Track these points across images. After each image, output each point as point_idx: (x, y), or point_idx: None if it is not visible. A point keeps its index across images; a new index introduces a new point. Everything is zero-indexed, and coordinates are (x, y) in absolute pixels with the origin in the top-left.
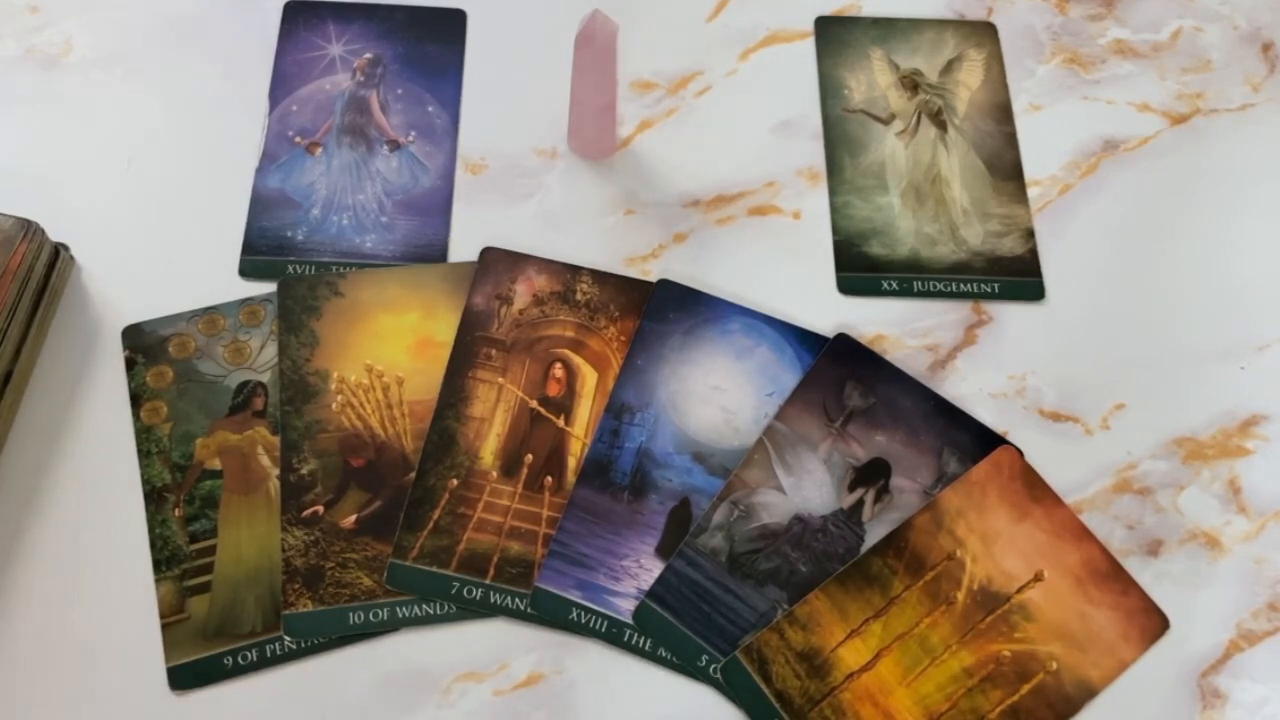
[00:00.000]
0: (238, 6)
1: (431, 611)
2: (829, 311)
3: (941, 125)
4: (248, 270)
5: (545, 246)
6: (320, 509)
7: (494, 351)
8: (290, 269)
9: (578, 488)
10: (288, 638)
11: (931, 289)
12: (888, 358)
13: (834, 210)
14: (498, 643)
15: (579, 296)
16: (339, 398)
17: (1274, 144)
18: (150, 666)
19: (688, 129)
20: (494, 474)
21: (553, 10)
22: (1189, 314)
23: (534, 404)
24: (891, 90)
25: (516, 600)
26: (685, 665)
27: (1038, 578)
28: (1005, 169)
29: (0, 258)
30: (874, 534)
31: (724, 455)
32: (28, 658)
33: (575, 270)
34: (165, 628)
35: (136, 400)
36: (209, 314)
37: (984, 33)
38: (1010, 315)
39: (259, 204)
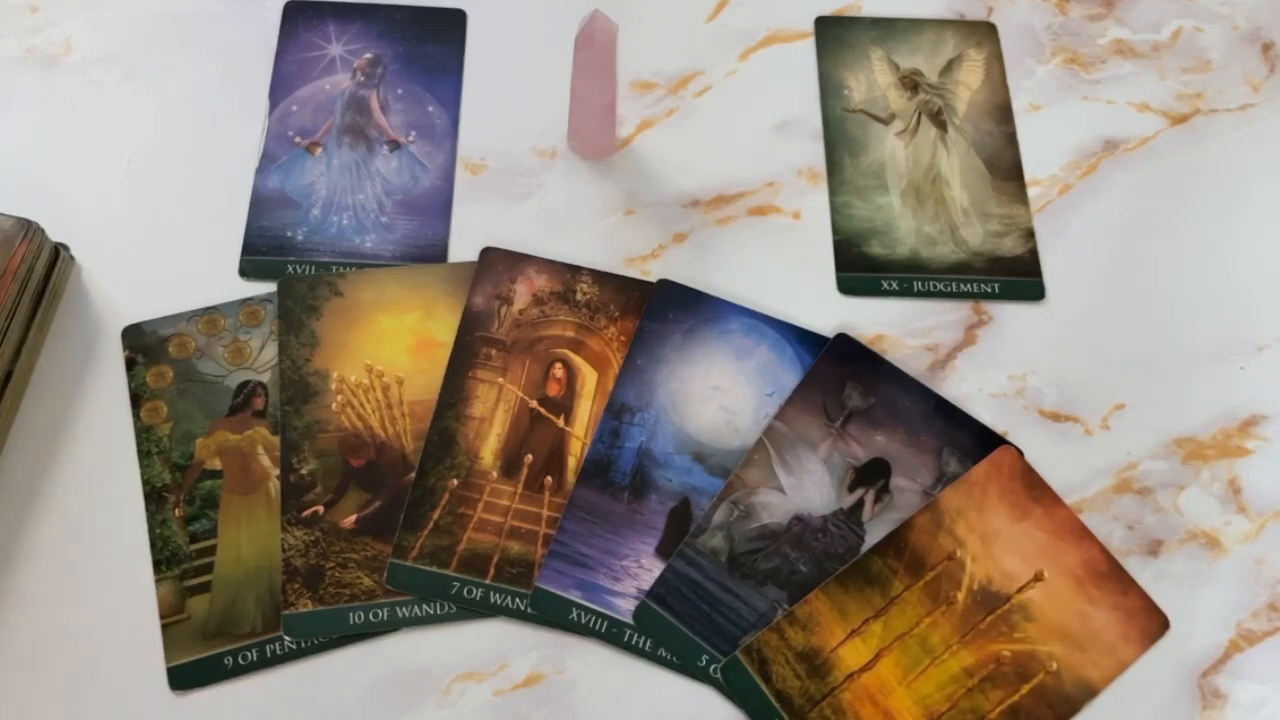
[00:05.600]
0: (238, 6)
1: (431, 611)
2: (829, 311)
3: (941, 125)
4: (248, 270)
5: (545, 246)
6: (320, 509)
7: (494, 351)
8: (290, 269)
9: (578, 488)
10: (288, 638)
11: (931, 289)
12: (888, 358)
13: (834, 210)
14: (498, 643)
15: (579, 296)
16: (339, 398)
17: (1274, 144)
18: (150, 666)
19: (688, 129)
20: (494, 474)
21: (553, 10)
22: (1189, 314)
23: (534, 404)
24: (891, 90)
25: (516, 600)
26: (685, 665)
27: (1038, 578)
28: (1005, 169)
29: (0, 258)
30: (874, 534)
31: (724, 455)
32: (28, 658)
33: (575, 270)
34: (165, 628)
35: (136, 400)
36: (209, 314)
37: (984, 33)
38: (1010, 315)
39: (259, 204)
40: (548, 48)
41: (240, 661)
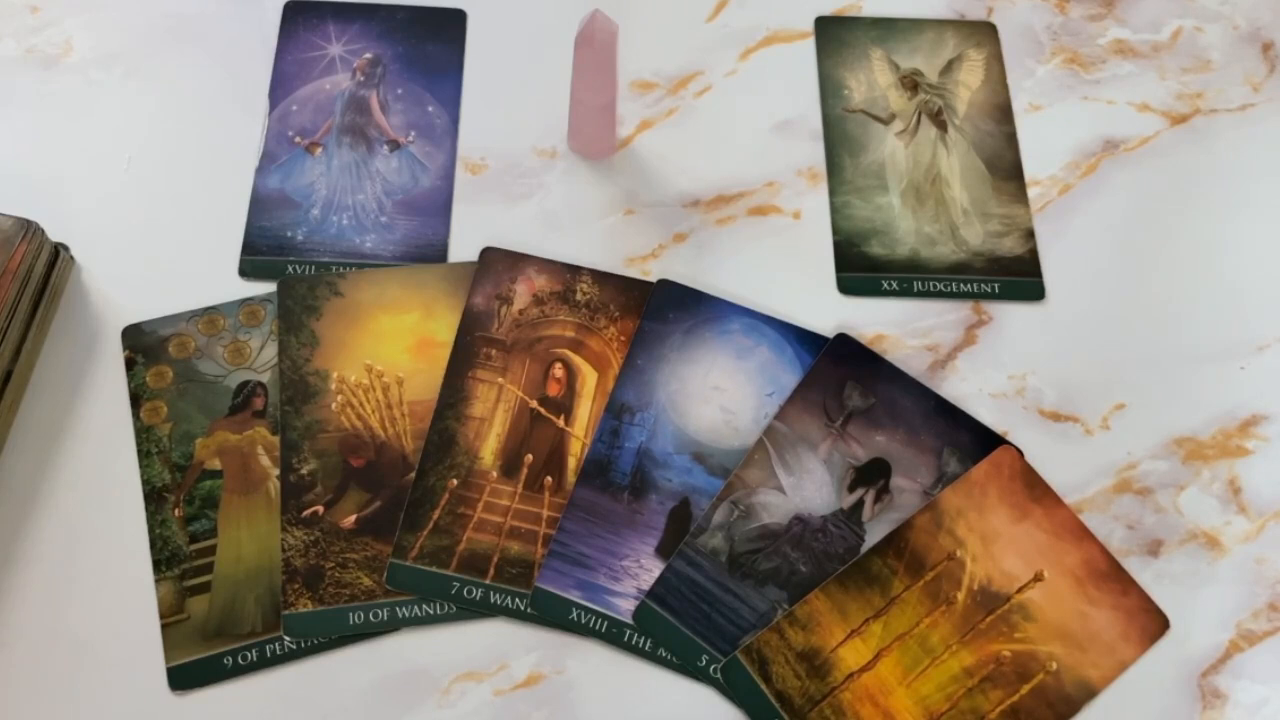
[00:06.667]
0: (238, 6)
1: (431, 611)
2: (829, 311)
3: (941, 125)
4: (248, 270)
5: (545, 246)
6: (320, 509)
7: (494, 351)
8: (290, 269)
9: (578, 488)
10: (288, 638)
11: (931, 289)
12: (888, 358)
13: (834, 210)
14: (498, 643)
15: (579, 296)
16: (339, 398)
17: (1274, 144)
18: (150, 666)
19: (688, 129)
20: (494, 474)
21: (553, 10)
22: (1189, 314)
23: (534, 404)
24: (891, 90)
25: (516, 600)
26: (685, 665)
27: (1038, 578)
28: (1005, 169)
29: (0, 258)
30: (874, 534)
31: (724, 455)
32: (28, 658)
33: (575, 270)
34: (165, 628)
35: (136, 400)
36: (209, 314)
37: (984, 33)
38: (1010, 315)
39: (259, 204)
40: (548, 48)
41: (240, 661)
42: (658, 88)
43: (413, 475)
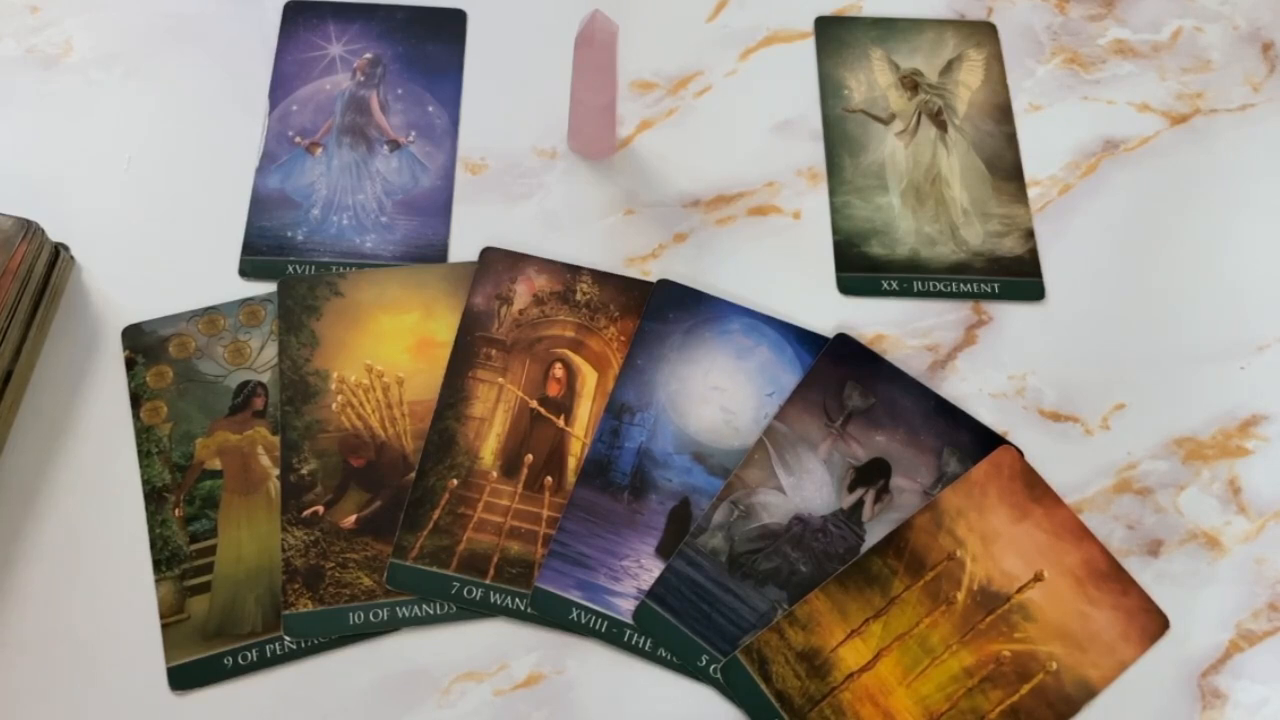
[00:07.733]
0: (238, 6)
1: (431, 611)
2: (829, 311)
3: (941, 125)
4: (248, 270)
5: (545, 246)
6: (320, 509)
7: (494, 351)
8: (290, 269)
9: (578, 488)
10: (288, 638)
11: (931, 289)
12: (888, 358)
13: (834, 210)
14: (498, 643)
15: (579, 296)
16: (339, 398)
17: (1274, 144)
18: (150, 666)
19: (688, 129)
20: (494, 474)
21: (553, 10)
22: (1189, 314)
23: (534, 404)
24: (891, 90)
25: (516, 600)
26: (685, 665)
27: (1038, 578)
28: (1005, 169)
29: (0, 258)
30: (874, 534)
31: (724, 455)
32: (28, 658)
33: (575, 270)
34: (165, 628)
35: (136, 400)
36: (209, 314)
37: (984, 33)
38: (1010, 315)
39: (259, 204)
40: (548, 48)
41: (240, 661)
42: (658, 88)
43: (413, 475)
